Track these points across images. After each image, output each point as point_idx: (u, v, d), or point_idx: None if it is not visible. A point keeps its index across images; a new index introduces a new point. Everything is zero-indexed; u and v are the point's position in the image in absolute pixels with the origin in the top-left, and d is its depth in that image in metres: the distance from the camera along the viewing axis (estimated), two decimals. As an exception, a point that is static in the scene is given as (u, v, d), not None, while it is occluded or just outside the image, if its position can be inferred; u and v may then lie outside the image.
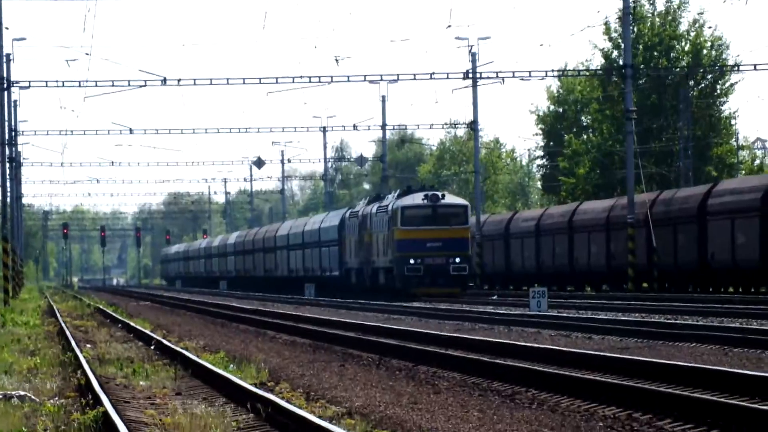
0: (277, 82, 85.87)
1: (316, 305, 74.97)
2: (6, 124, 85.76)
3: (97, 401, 19.03)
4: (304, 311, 62.03)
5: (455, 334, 36.43)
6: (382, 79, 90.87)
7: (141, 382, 25.22)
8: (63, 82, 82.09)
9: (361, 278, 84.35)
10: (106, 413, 16.95)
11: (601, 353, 25.88)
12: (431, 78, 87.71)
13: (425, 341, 34.85)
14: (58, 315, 60.63)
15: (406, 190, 77.63)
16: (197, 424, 17.02)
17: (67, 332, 42.37)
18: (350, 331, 42.18)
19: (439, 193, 72.81)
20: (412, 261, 69.47)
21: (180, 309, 76.57)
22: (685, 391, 18.24)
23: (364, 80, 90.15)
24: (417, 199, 71.77)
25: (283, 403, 18.10)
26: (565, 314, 48.51)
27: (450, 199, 73.20)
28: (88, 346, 37.07)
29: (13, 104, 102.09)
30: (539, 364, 24.64)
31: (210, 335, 44.38)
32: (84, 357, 29.46)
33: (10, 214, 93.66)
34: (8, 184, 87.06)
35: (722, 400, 16.57)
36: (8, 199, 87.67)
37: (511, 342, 31.40)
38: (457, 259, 69.20)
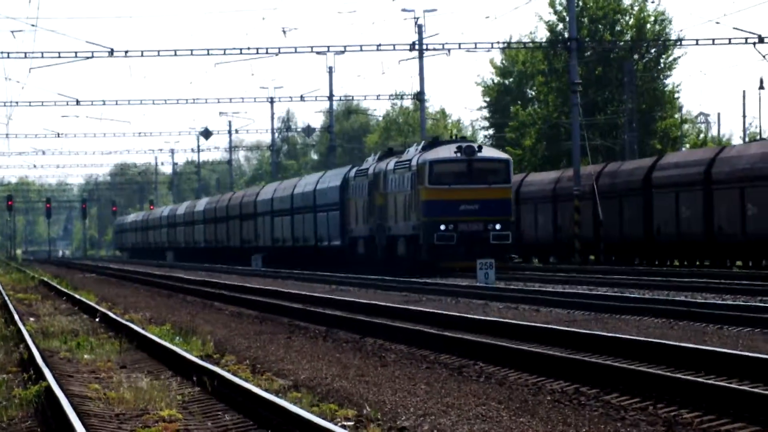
0: (224, 53, 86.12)
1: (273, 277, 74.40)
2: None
3: (40, 376, 18.93)
4: (254, 282, 61.55)
5: (403, 306, 36.36)
6: (329, 51, 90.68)
7: (85, 356, 25.08)
8: (8, 53, 79.05)
9: (371, 248, 70.07)
10: (48, 388, 16.83)
11: (549, 326, 25.86)
12: (378, 49, 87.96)
13: (372, 313, 34.78)
14: (0, 288, 60.26)
15: (432, 141, 66.42)
16: (142, 398, 16.93)
17: (10, 305, 42.16)
18: (297, 302, 41.99)
19: (475, 145, 61.73)
20: (442, 227, 58.04)
21: (126, 281, 76.27)
22: (632, 365, 18.19)
23: (311, 51, 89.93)
24: (448, 151, 60.05)
25: (228, 375, 17.98)
26: (512, 286, 48.28)
27: (488, 152, 62.16)
28: (32, 319, 36.89)
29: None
30: (487, 336, 24.62)
31: (156, 307, 44.22)
32: (27, 330, 29.32)
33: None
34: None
35: (667, 373, 16.56)
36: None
37: (458, 314, 31.33)
38: (498, 226, 57.70)
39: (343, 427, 12.86)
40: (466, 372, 20.27)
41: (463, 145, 59.89)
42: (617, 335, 22.70)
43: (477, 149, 59.78)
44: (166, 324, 33.00)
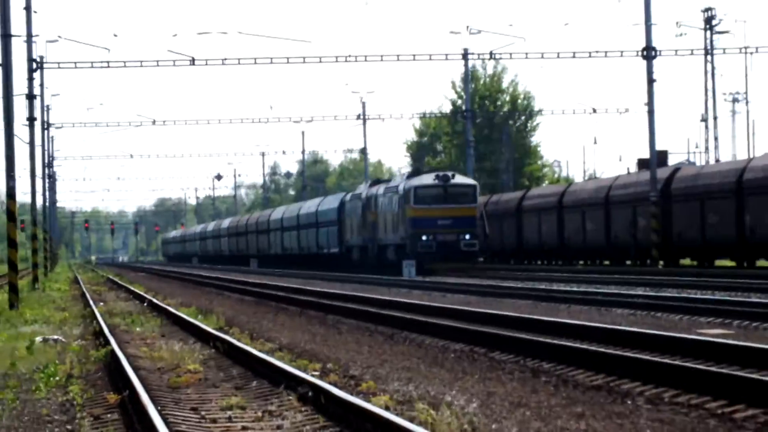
0: (231, 122, 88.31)
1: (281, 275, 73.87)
2: (45, 154, 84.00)
3: (107, 342, 18.87)
4: (252, 278, 61.27)
5: (352, 293, 36.24)
6: (302, 120, 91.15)
7: (137, 329, 24.92)
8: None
9: (364, 254, 66.44)
10: (113, 350, 16.83)
11: (452, 306, 25.79)
12: (335, 119, 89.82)
13: (333, 298, 34.66)
14: (81, 283, 59.81)
15: (414, 172, 62.87)
16: (175, 356, 16.92)
17: (87, 295, 41.79)
18: (281, 291, 41.80)
19: (449, 174, 57.62)
20: (424, 237, 54.77)
21: (165, 278, 75.69)
22: (507, 332, 18.19)
23: (290, 120, 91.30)
24: (428, 179, 56.63)
25: (234, 341, 17.94)
26: (428, 279, 48.19)
27: (459, 179, 57.61)
28: (101, 304, 36.51)
29: (50, 140, 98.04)
30: (411, 313, 24.52)
31: (185, 295, 43.85)
32: (98, 312, 29.06)
33: (48, 215, 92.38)
34: (46, 194, 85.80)
35: (532, 337, 16.56)
36: (47, 203, 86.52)
37: (390, 298, 31.25)
38: (467, 236, 54.78)
39: (312, 375, 12.80)
40: (396, 338, 20.22)
41: (441, 174, 56.82)
42: (498, 312, 22.71)
43: (451, 177, 56.52)
44: (192, 306, 32.79)
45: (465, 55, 70.32)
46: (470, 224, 55.47)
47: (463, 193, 56.28)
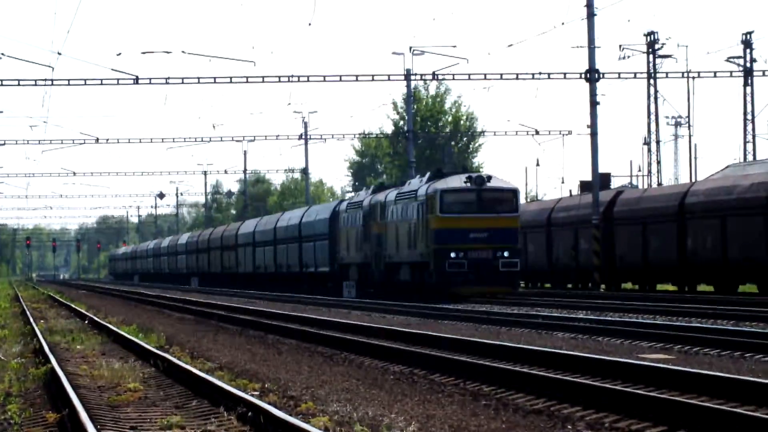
0: (173, 141, 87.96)
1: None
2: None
3: (47, 360, 18.72)
4: (194, 296, 60.66)
5: (292, 313, 36.10)
6: (244, 139, 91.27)
7: (78, 346, 24.72)
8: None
9: (365, 274, 54.46)
10: (53, 368, 16.73)
11: (392, 327, 25.72)
12: (277, 138, 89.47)
13: (272, 317, 34.50)
14: (21, 300, 59.16)
15: (436, 173, 48.33)
16: (116, 375, 16.78)
17: (27, 312, 41.37)
18: (221, 310, 41.47)
19: (485, 175, 46.10)
20: (453, 254, 43.60)
21: (106, 296, 75.04)
22: (447, 354, 18.16)
23: (232, 140, 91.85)
24: (458, 181, 45.29)
25: (175, 360, 17.82)
26: (367, 300, 47.29)
27: (497, 182, 45.72)
28: (42, 321, 36.14)
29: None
30: (350, 334, 24.46)
31: (126, 313, 43.48)
32: (38, 329, 28.83)
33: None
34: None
35: (473, 360, 16.54)
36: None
37: (330, 318, 31.14)
38: (506, 253, 43.87)
39: (252, 395, 12.71)
40: (336, 358, 20.13)
41: (474, 175, 45.88)
42: (439, 334, 22.65)
43: (487, 179, 45.24)
44: (132, 324, 32.50)
45: (407, 76, 70.29)
46: (510, 239, 44.93)
47: (501, 200, 45.55)
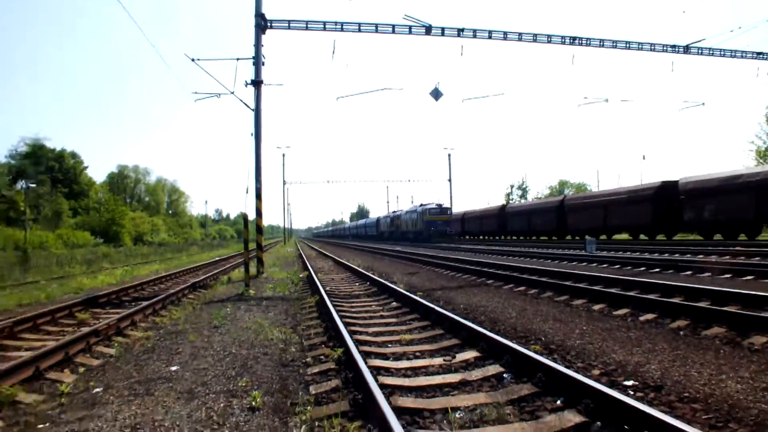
0: None
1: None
2: None
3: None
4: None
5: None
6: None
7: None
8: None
9: (391, 234, 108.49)
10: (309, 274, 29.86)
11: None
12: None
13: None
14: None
15: (424, 204, 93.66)
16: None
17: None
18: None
19: (441, 203, 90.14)
20: (432, 228, 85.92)
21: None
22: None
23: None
24: (434, 206, 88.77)
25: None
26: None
27: (445, 205, 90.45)
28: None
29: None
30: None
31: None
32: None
33: None
34: None
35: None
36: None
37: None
38: (448, 228, 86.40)
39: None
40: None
41: (437, 203, 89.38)
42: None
43: (441, 205, 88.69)
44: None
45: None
46: (449, 224, 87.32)
47: (445, 210, 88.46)
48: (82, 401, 12.71)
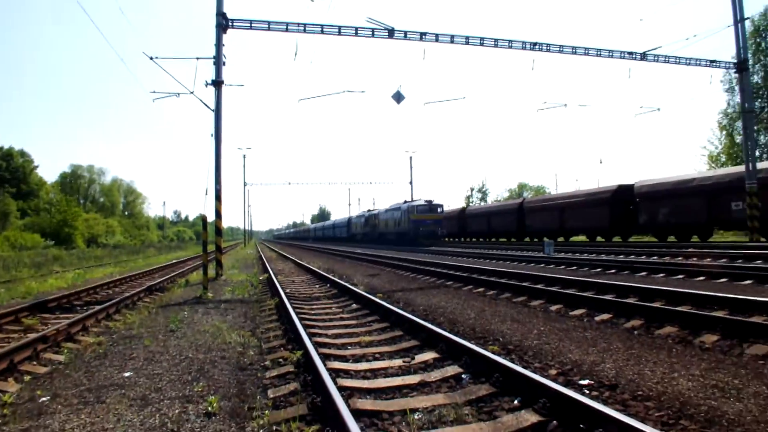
0: None
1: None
2: None
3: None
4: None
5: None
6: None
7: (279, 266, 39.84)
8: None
9: (366, 236, 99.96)
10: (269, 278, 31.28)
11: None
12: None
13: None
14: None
15: (409, 201, 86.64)
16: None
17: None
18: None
19: (431, 199, 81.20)
20: (420, 228, 77.32)
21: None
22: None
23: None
24: (422, 202, 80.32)
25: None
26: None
27: (435, 201, 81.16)
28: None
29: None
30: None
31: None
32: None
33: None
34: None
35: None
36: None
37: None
38: (439, 229, 77.42)
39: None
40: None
41: (426, 199, 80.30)
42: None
43: (431, 201, 79.87)
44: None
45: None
46: (439, 223, 78.19)
47: (435, 208, 79.61)
48: (27, 411, 12.56)
